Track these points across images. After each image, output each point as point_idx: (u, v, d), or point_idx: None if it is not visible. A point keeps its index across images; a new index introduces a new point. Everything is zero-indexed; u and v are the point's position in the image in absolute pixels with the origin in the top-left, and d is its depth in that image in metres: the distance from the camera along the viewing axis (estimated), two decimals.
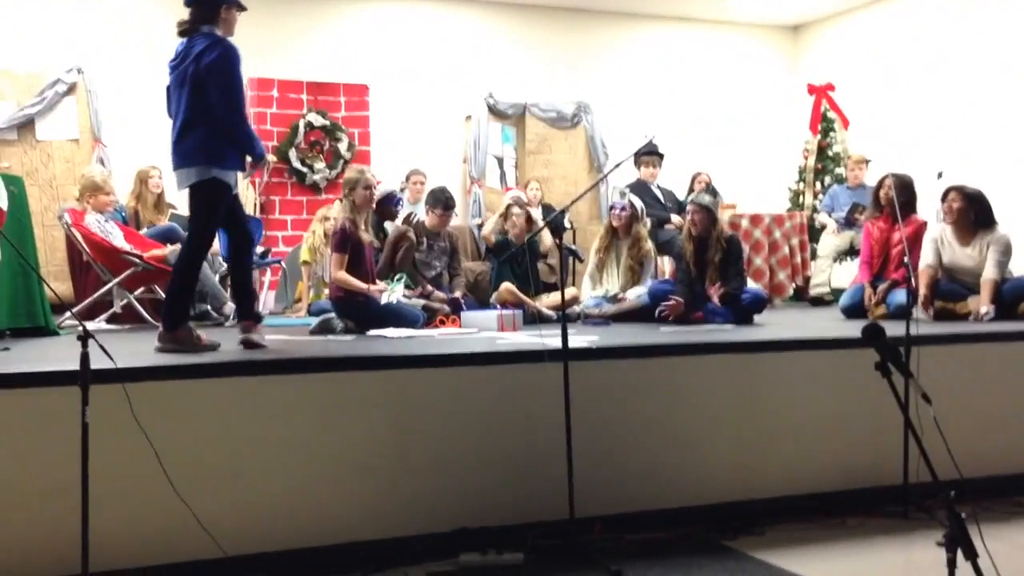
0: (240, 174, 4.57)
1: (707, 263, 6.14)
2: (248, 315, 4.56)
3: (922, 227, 6.42)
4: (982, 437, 4.65)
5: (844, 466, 4.55)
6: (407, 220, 6.89)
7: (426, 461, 3.90)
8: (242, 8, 4.50)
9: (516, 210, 6.87)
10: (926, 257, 6.18)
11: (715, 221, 6.20)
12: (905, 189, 6.17)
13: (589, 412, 3.95)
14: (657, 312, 6.13)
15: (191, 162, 4.31)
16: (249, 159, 4.50)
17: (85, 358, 2.94)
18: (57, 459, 3.29)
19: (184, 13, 4.42)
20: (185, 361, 3.91)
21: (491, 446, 3.99)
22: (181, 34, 4.42)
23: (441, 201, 6.76)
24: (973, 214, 6.06)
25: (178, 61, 4.38)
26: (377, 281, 5.84)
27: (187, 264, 4.43)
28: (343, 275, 5.66)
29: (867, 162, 8.83)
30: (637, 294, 6.50)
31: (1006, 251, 6.00)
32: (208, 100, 4.26)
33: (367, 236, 5.87)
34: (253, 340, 4.43)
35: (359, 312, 5.64)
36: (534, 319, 6.09)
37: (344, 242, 5.70)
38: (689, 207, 6.39)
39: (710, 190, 6.54)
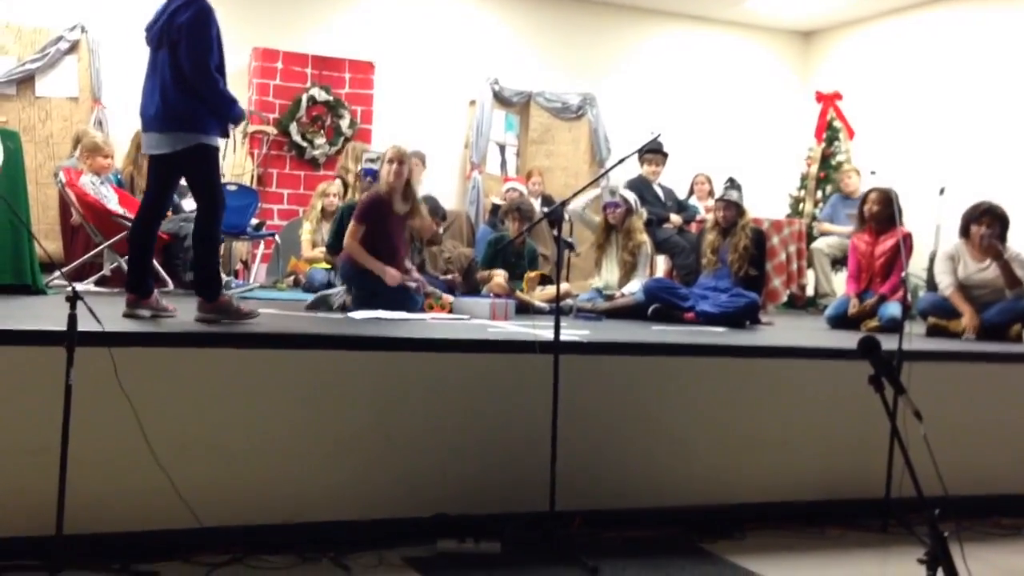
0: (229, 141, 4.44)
1: (730, 250, 6.39)
2: (137, 288, 4.25)
3: (907, 238, 6.39)
4: (966, 455, 4.62)
5: (827, 476, 4.54)
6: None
7: (409, 445, 3.87)
8: None
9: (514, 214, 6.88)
10: (947, 277, 6.16)
11: (743, 213, 6.49)
12: (888, 203, 6.20)
13: (576, 406, 3.92)
14: (650, 310, 6.19)
15: (178, 127, 4.12)
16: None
17: (73, 319, 2.91)
18: (38, 419, 3.24)
19: None
20: (172, 329, 3.87)
21: (475, 434, 3.96)
22: None
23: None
24: (999, 236, 6.07)
25: (153, 22, 4.24)
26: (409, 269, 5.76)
27: (209, 231, 4.26)
28: (355, 247, 5.60)
29: (857, 172, 8.89)
30: (631, 291, 6.49)
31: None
32: (179, 60, 4.09)
33: (403, 208, 5.74)
34: (137, 314, 4.19)
35: (363, 282, 5.58)
36: (527, 309, 6.07)
37: (364, 212, 5.65)
38: (716, 204, 6.66)
39: (734, 185, 6.65)
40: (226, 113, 4.26)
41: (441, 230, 6.80)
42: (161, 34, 4.17)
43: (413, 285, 5.68)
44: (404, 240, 5.91)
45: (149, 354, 3.54)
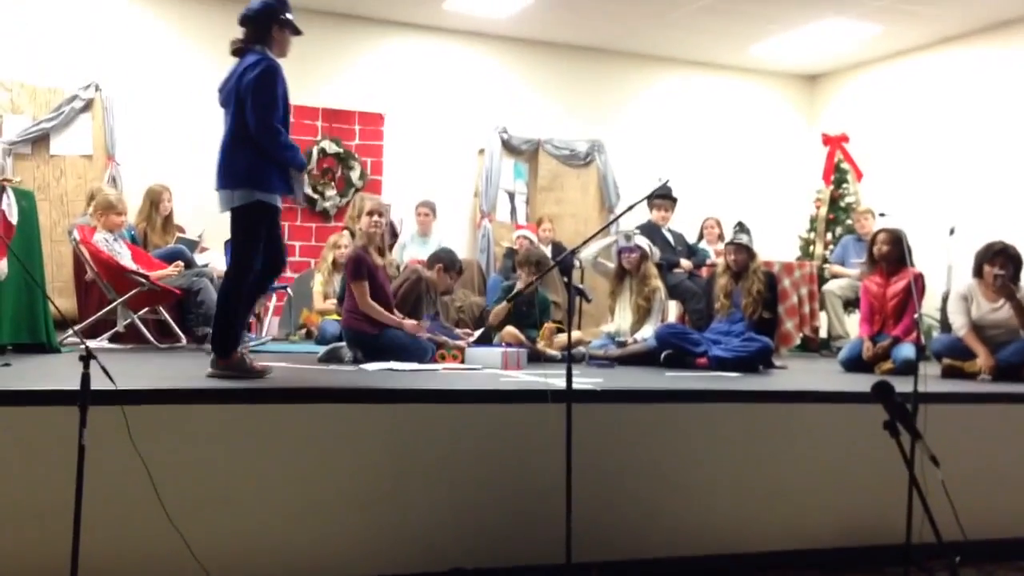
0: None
1: (743, 293, 6.39)
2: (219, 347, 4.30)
3: (918, 278, 6.35)
4: (985, 498, 4.57)
5: (845, 522, 4.48)
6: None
7: (423, 498, 3.85)
8: (296, 31, 4.48)
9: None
10: (960, 318, 6.12)
11: (753, 256, 6.52)
12: (897, 243, 6.18)
13: (590, 455, 3.89)
14: (663, 356, 6.17)
15: (235, 184, 4.23)
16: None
17: (86, 379, 2.91)
18: (51, 478, 3.24)
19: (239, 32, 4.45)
20: (185, 386, 3.88)
21: (489, 485, 3.94)
22: (233, 53, 4.40)
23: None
24: (1013, 276, 6.04)
25: (224, 83, 4.38)
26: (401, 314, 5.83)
27: (231, 289, 4.31)
28: (372, 305, 5.63)
29: (872, 213, 8.87)
30: (643, 337, 6.48)
31: None
32: (244, 117, 4.22)
33: (380, 261, 5.84)
34: (219, 374, 4.24)
35: (371, 342, 5.60)
36: (538, 358, 6.06)
37: (360, 269, 5.67)
38: (726, 248, 6.67)
39: (744, 228, 6.66)
40: (289, 161, 4.35)
41: (456, 285, 6.87)
42: (231, 94, 4.29)
43: (427, 329, 5.74)
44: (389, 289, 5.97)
45: (162, 411, 3.54)
